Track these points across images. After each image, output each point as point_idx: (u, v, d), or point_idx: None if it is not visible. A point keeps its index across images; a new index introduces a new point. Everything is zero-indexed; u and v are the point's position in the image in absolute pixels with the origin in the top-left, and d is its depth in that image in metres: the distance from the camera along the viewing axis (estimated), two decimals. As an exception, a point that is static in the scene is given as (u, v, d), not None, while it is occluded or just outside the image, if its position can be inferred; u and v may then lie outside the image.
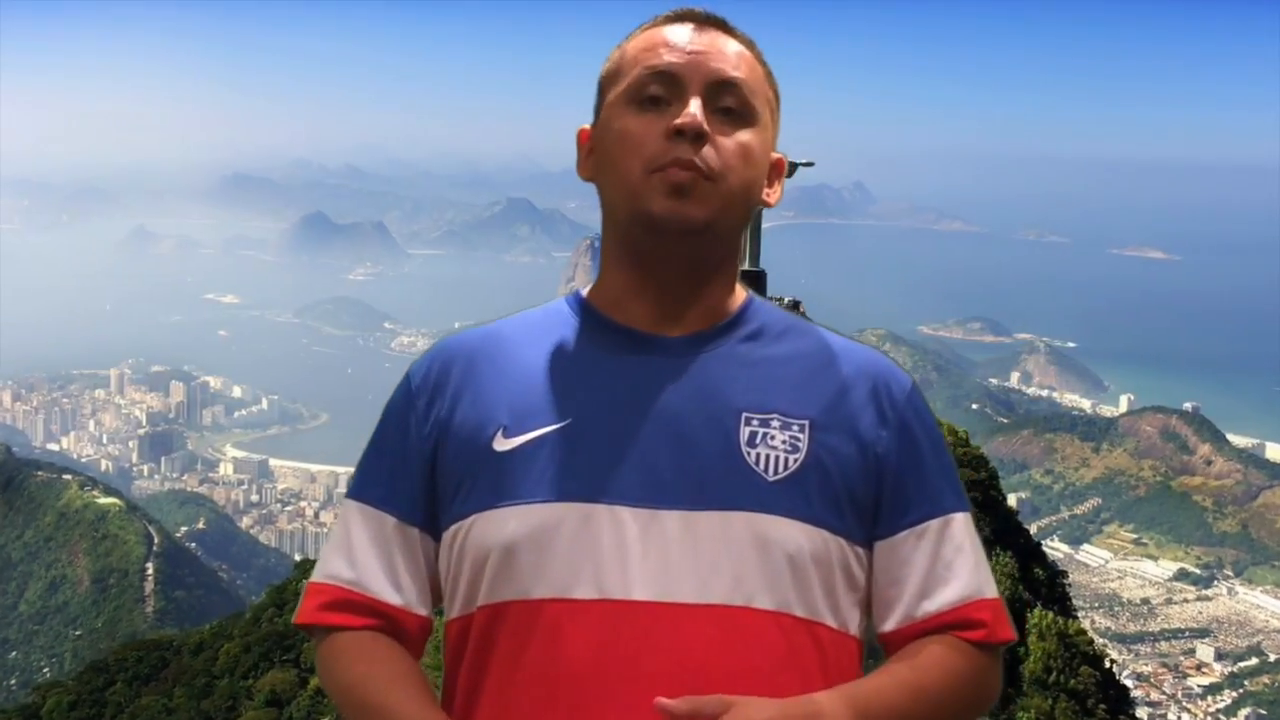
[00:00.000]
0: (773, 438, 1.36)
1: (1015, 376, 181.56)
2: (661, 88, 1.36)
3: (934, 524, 1.41)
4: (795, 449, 1.36)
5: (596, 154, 1.43)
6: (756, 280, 38.49)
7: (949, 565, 1.41)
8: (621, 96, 1.39)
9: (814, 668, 1.33)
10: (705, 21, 1.42)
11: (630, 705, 1.27)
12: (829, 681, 1.33)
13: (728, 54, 1.39)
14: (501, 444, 1.38)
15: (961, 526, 1.43)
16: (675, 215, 1.34)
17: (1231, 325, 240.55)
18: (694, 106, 1.34)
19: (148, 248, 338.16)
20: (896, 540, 1.41)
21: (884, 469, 1.39)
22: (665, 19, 1.44)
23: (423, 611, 1.45)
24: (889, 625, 1.41)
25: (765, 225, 39.28)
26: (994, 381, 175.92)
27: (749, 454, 1.35)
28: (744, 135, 1.37)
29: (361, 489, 1.46)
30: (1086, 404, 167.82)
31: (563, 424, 1.37)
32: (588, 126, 1.47)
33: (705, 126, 1.34)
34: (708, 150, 1.34)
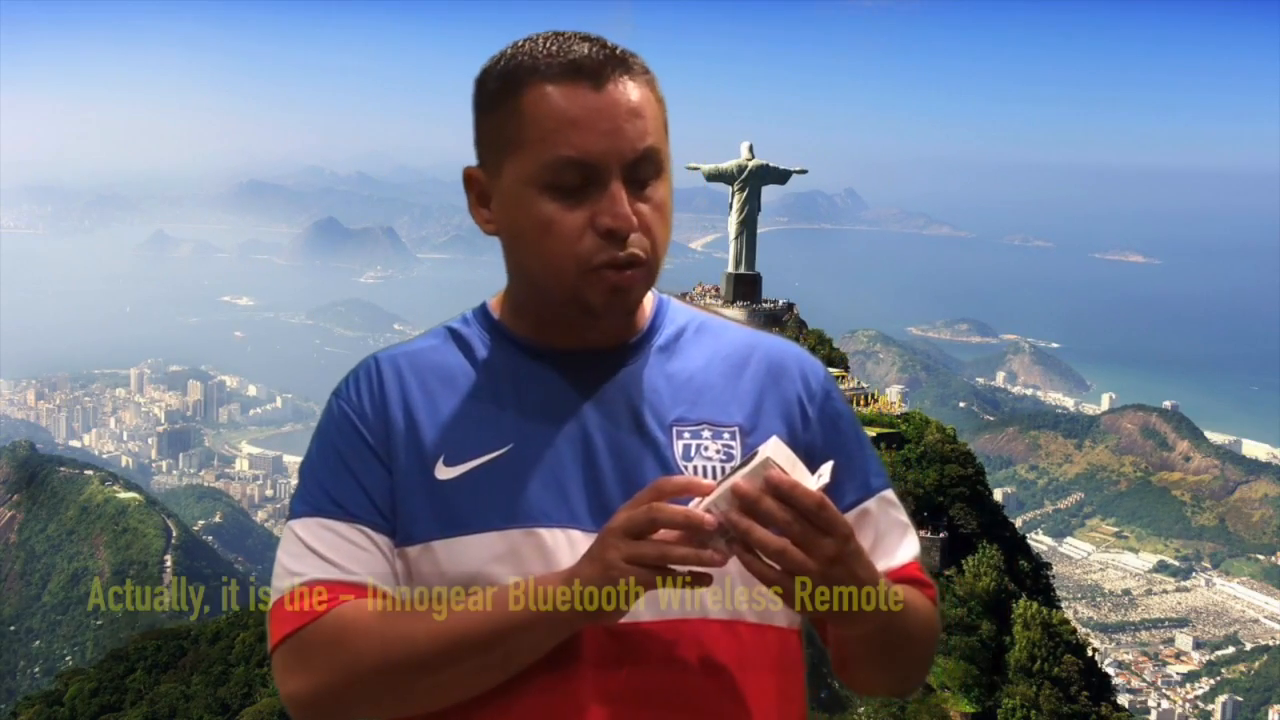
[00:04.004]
0: (706, 448, 1.34)
1: (1001, 376, 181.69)
2: (578, 177, 1.26)
3: (870, 504, 1.40)
4: (729, 457, 1.34)
5: (506, 224, 1.32)
6: (753, 284, 38.55)
7: (887, 536, 1.40)
8: (532, 179, 1.27)
9: (768, 667, 1.32)
10: (603, 67, 1.27)
11: None
12: (783, 678, 1.34)
13: (637, 114, 1.27)
14: (444, 472, 1.31)
15: (891, 501, 1.42)
16: (618, 308, 1.30)
17: (1209, 327, 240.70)
18: (620, 199, 1.26)
19: (166, 252, 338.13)
20: None
21: (812, 460, 1.31)
22: (562, 71, 1.26)
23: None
24: None
25: (760, 231, 39.27)
26: (980, 381, 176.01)
27: (686, 468, 1.32)
28: (659, 192, 1.30)
29: (324, 506, 1.31)
30: (1069, 402, 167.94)
31: (503, 450, 1.31)
32: (475, 169, 1.35)
33: (634, 221, 1.26)
34: (638, 236, 1.27)
